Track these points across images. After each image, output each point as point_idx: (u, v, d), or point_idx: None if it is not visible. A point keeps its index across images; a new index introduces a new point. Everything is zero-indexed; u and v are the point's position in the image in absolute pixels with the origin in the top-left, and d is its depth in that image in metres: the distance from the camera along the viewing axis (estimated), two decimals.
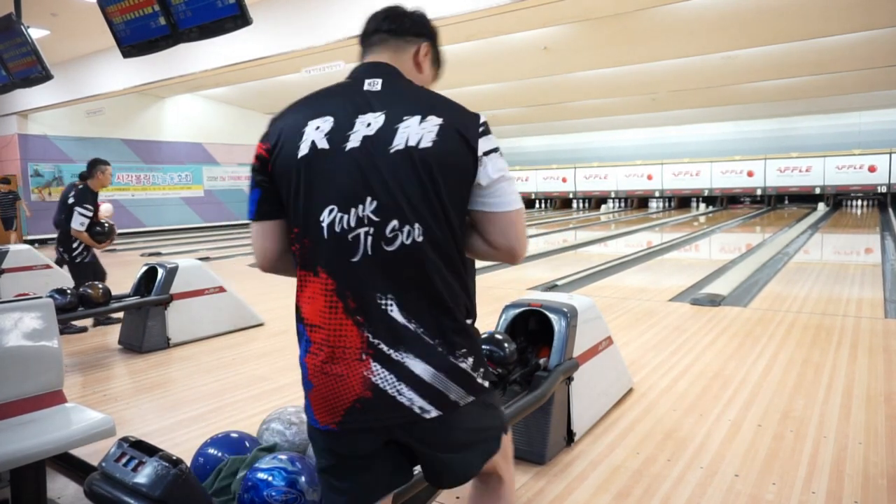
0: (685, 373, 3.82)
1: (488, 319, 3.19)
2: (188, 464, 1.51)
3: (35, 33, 5.76)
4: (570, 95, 16.18)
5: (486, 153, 1.23)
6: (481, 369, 1.29)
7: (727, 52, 11.87)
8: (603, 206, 22.94)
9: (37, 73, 5.15)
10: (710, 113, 19.49)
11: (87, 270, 5.37)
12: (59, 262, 5.79)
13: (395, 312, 1.19)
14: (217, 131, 18.50)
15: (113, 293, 4.66)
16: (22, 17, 5.00)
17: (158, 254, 11.48)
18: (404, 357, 1.19)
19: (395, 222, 1.17)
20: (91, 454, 2.38)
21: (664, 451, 2.75)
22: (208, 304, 5.11)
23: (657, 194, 22.05)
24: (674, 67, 13.00)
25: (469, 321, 1.30)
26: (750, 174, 20.39)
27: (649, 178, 22.01)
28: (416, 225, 1.17)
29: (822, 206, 18.79)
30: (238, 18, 3.63)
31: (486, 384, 1.30)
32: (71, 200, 5.25)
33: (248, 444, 1.92)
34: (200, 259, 6.27)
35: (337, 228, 1.18)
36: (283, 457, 1.68)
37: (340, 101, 1.25)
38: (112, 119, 15.94)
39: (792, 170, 19.75)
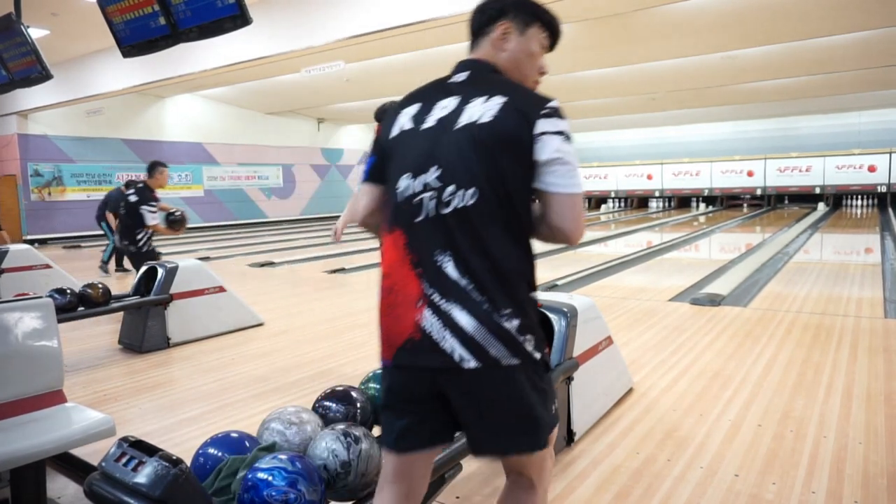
0: (685, 373, 3.82)
1: None
2: (188, 464, 1.51)
3: (35, 33, 5.77)
4: (570, 95, 16.16)
5: (545, 133, 1.31)
6: (530, 336, 1.32)
7: (727, 52, 11.85)
8: (603, 206, 22.95)
9: (37, 72, 5.16)
10: (709, 113, 19.48)
11: (152, 258, 5.75)
12: (124, 254, 6.20)
13: (450, 268, 1.30)
14: (217, 131, 18.48)
15: (113, 293, 4.66)
16: (22, 16, 5.00)
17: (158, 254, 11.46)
18: (451, 307, 1.30)
19: (452, 187, 1.31)
20: (91, 454, 2.37)
21: (664, 451, 2.75)
22: (208, 304, 5.11)
23: (657, 194, 22.06)
24: (673, 67, 12.98)
25: (529, 293, 1.37)
26: (750, 174, 20.41)
27: (649, 177, 22.03)
28: (472, 189, 1.30)
29: (822, 206, 18.80)
30: (238, 18, 3.63)
31: (537, 355, 1.34)
32: (134, 199, 5.67)
33: (248, 444, 1.91)
34: (200, 259, 6.27)
35: (407, 193, 1.36)
36: (283, 457, 1.68)
37: (430, 91, 1.46)
38: (112, 119, 15.92)
39: (792, 170, 19.77)
